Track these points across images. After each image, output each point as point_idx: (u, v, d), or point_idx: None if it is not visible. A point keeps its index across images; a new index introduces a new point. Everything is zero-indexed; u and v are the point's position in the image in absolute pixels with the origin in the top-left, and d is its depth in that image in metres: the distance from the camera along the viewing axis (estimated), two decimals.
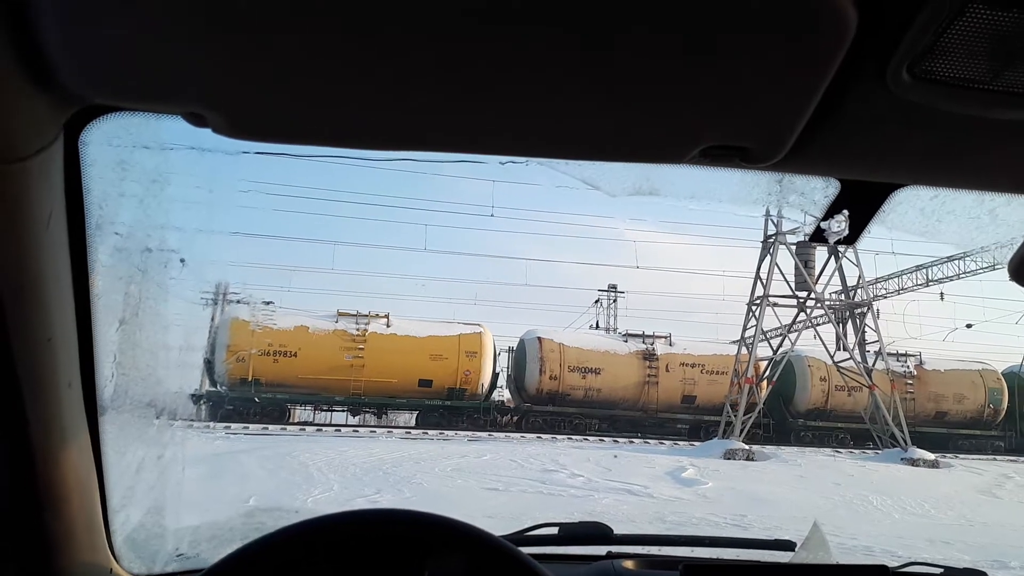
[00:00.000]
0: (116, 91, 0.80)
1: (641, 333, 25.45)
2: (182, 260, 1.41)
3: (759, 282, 21.40)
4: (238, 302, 24.67)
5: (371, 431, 19.19)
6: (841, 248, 19.60)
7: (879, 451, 19.59)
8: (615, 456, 14.21)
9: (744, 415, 18.69)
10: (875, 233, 1.14)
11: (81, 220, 1.00)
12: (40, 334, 0.97)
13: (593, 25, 0.68)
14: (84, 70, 0.75)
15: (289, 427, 20.57)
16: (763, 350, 22.00)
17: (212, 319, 23.65)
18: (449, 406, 22.96)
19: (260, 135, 0.88)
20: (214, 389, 22.25)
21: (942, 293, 25.60)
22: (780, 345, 21.29)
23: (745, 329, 21.61)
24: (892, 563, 1.62)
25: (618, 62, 0.73)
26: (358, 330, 23.14)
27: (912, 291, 25.68)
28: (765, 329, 21.52)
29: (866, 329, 22.14)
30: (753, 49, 0.70)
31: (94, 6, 0.67)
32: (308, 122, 0.87)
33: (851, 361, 21.70)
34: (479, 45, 0.71)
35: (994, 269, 21.69)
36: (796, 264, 20.27)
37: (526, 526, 1.78)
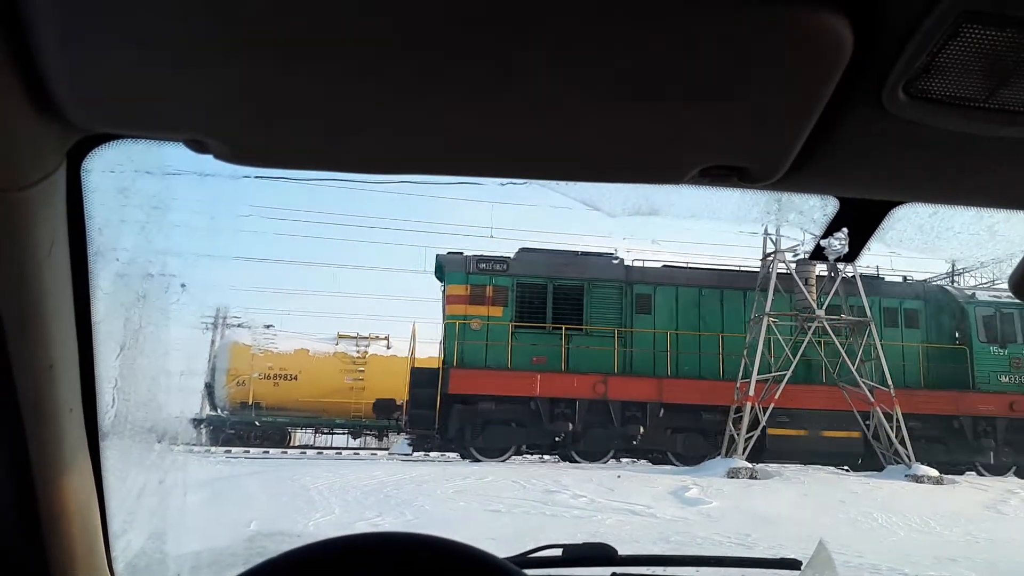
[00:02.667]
0: (118, 119, 0.81)
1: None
2: (182, 285, 1.42)
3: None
4: (238, 326, 24.70)
5: (372, 454, 19.10)
6: (840, 265, 19.65)
7: (883, 468, 19.51)
8: (618, 476, 14.14)
9: (747, 433, 18.59)
10: (875, 250, 1.14)
11: (83, 247, 1.01)
12: (42, 360, 0.97)
13: (592, 47, 0.69)
14: (87, 100, 0.76)
15: (290, 451, 20.49)
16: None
17: (212, 343, 23.63)
18: None
19: (260, 161, 0.89)
20: (215, 413, 22.21)
21: None
22: (782, 362, 21.23)
23: (746, 346, 21.53)
24: None
25: (617, 85, 0.73)
26: (358, 352, 23.12)
27: None
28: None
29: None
30: (750, 70, 0.71)
31: (97, 36, 0.68)
32: (308, 148, 0.88)
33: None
34: (478, 69, 0.72)
35: (994, 285, 21.74)
36: (796, 282, 20.25)
37: (529, 548, 1.76)
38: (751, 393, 17.89)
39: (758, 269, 19.83)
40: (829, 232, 1.08)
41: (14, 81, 0.71)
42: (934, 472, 17.49)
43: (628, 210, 1.05)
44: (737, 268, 20.61)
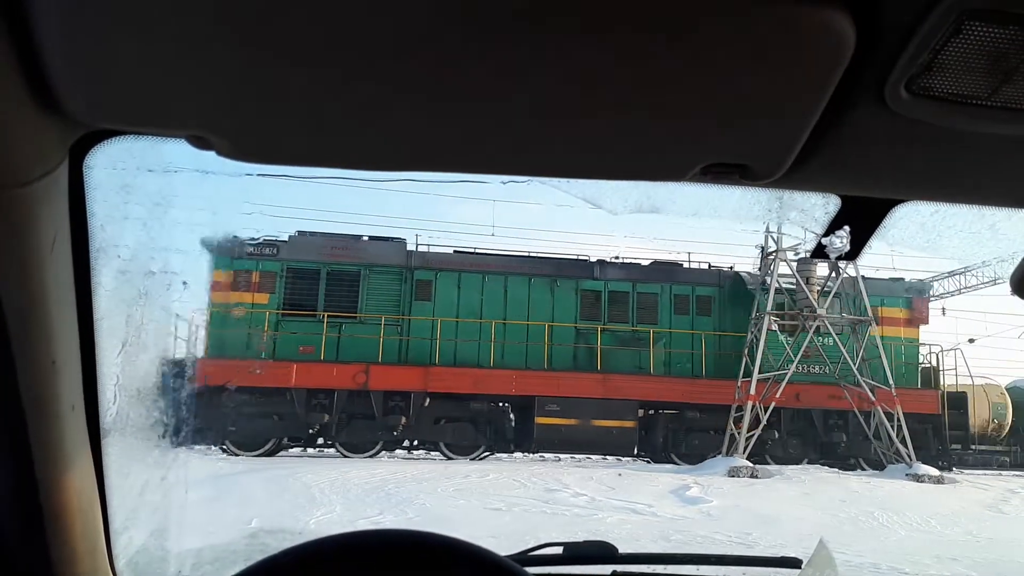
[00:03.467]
0: (121, 115, 0.81)
1: None
2: (184, 283, 1.42)
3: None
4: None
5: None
6: (842, 264, 19.63)
7: (884, 467, 19.50)
8: (619, 475, 14.14)
9: (748, 432, 18.60)
10: (876, 249, 1.14)
11: (85, 243, 1.01)
12: (44, 357, 0.97)
13: (593, 45, 0.69)
14: (89, 96, 0.76)
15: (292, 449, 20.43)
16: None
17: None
18: None
19: (263, 157, 0.89)
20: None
21: (944, 308, 25.57)
22: (782, 361, 21.23)
23: (747, 345, 21.54)
24: None
25: (619, 82, 0.73)
26: None
27: None
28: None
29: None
30: (752, 68, 0.71)
31: (99, 33, 0.68)
32: (310, 144, 0.88)
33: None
34: (480, 67, 0.72)
35: (995, 284, 21.71)
36: (797, 280, 20.24)
37: (530, 546, 1.77)
38: (752, 392, 17.91)
39: (587, 257, 19.48)
40: (830, 230, 1.08)
41: (16, 77, 0.71)
42: (935, 471, 17.49)
43: (630, 208, 1.05)
44: (572, 257, 19.89)
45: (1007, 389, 26.34)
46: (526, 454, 18.03)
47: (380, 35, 0.68)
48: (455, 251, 19.38)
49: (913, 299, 19.71)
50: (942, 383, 20.77)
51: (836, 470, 17.79)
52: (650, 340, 18.24)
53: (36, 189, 0.84)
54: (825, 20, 0.65)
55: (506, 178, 0.97)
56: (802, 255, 18.96)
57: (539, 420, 17.07)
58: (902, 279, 20.51)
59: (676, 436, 18.11)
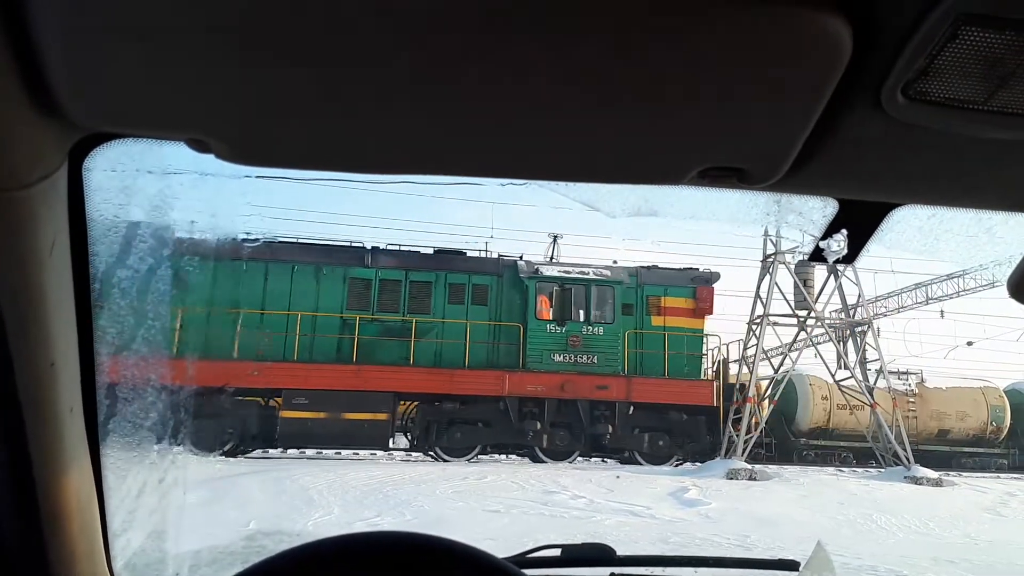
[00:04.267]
0: (120, 119, 0.81)
1: None
2: (184, 284, 1.42)
3: (759, 301, 21.41)
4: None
5: (371, 454, 19.00)
6: (840, 267, 19.62)
7: (882, 470, 19.50)
8: (617, 477, 14.13)
9: (746, 434, 18.60)
10: (874, 252, 1.14)
11: (84, 246, 1.01)
12: (43, 359, 0.97)
13: (591, 48, 0.69)
14: (88, 99, 0.76)
15: (289, 450, 20.39)
16: (764, 369, 21.98)
17: None
18: None
19: (262, 161, 0.89)
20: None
21: (942, 311, 25.65)
22: (781, 364, 21.24)
23: (746, 348, 21.59)
24: None
25: (617, 86, 0.74)
26: None
27: (912, 309, 25.74)
28: (766, 348, 21.52)
29: (866, 347, 22.12)
30: (750, 72, 0.71)
31: (99, 35, 0.68)
32: (309, 148, 0.88)
33: (852, 380, 21.66)
34: (479, 70, 0.72)
35: (993, 287, 21.68)
36: (796, 283, 20.26)
37: (528, 548, 1.77)
38: (751, 394, 17.93)
39: (360, 244, 18.73)
40: (828, 234, 1.08)
41: (16, 80, 0.71)
42: (933, 474, 17.49)
43: (627, 211, 1.05)
44: (342, 244, 18.88)
45: (1005, 392, 26.40)
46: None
47: (379, 39, 0.68)
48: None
49: (698, 288, 19.02)
50: (736, 374, 20.28)
51: (833, 472, 17.70)
52: (413, 330, 17.43)
53: (35, 192, 0.84)
54: (822, 24, 0.66)
55: (505, 181, 0.97)
56: (800, 258, 18.82)
57: (284, 414, 16.38)
58: (695, 269, 19.78)
59: (438, 428, 17.40)
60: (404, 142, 0.86)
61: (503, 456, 18.11)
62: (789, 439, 24.38)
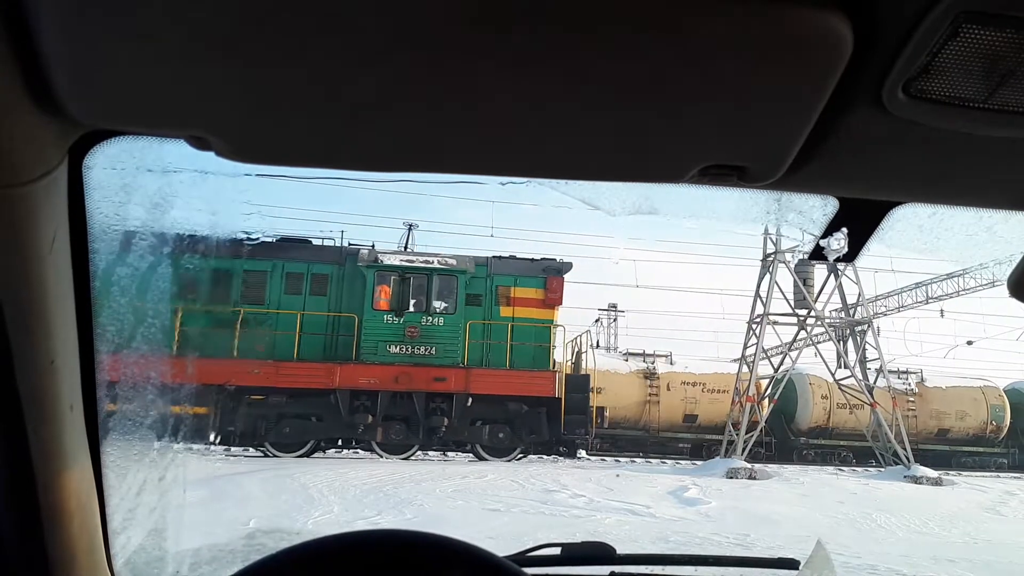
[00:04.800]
0: (120, 116, 0.81)
1: (642, 352, 25.38)
2: (184, 282, 1.42)
3: (759, 300, 21.42)
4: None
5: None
6: (840, 266, 19.62)
7: (882, 469, 19.51)
8: (617, 476, 14.14)
9: (746, 434, 18.62)
10: (874, 251, 1.14)
11: (84, 243, 1.01)
12: (43, 356, 0.97)
13: (592, 46, 0.69)
14: (88, 96, 0.76)
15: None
16: (764, 368, 22.00)
17: None
18: None
19: (262, 158, 0.89)
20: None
21: (942, 310, 25.61)
22: (781, 363, 21.25)
23: (745, 347, 21.61)
24: None
25: (618, 84, 0.73)
26: None
27: (912, 308, 25.71)
28: (766, 347, 21.53)
29: (867, 347, 22.13)
30: (751, 70, 0.71)
31: (99, 32, 0.68)
32: (310, 145, 0.88)
33: (852, 379, 21.68)
34: (480, 68, 0.72)
35: (993, 286, 21.69)
36: (795, 282, 20.27)
37: (528, 546, 1.77)
38: (751, 393, 17.94)
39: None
40: (829, 232, 1.08)
41: (16, 77, 0.71)
42: (933, 473, 17.50)
43: (627, 209, 1.05)
44: None
45: (1005, 391, 26.42)
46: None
47: (379, 36, 0.68)
48: None
49: (549, 279, 18.42)
50: (585, 365, 20.00)
51: (833, 471, 17.65)
52: (239, 321, 16.87)
53: (35, 189, 0.84)
54: (823, 23, 0.65)
55: (505, 179, 0.97)
56: (800, 257, 18.73)
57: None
58: (552, 259, 19.10)
59: (267, 422, 16.70)
60: (404, 139, 0.86)
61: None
62: (789, 438, 24.44)
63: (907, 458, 18.90)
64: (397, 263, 17.98)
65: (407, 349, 17.38)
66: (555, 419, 17.75)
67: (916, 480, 16.80)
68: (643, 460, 21.33)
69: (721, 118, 0.79)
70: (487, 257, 18.71)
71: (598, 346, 31.26)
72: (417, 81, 0.74)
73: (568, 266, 18.92)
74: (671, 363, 24.77)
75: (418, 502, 10.50)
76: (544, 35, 0.68)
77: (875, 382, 21.87)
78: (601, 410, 22.93)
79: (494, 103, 0.77)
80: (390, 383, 16.97)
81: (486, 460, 16.99)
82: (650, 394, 23.87)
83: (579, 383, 18.76)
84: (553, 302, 18.47)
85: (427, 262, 18.10)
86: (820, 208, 1.05)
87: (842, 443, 24.35)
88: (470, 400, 17.29)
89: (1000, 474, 23.06)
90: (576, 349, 19.96)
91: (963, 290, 23.89)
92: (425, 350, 17.46)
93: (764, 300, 21.02)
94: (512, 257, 18.83)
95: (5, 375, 0.94)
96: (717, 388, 23.72)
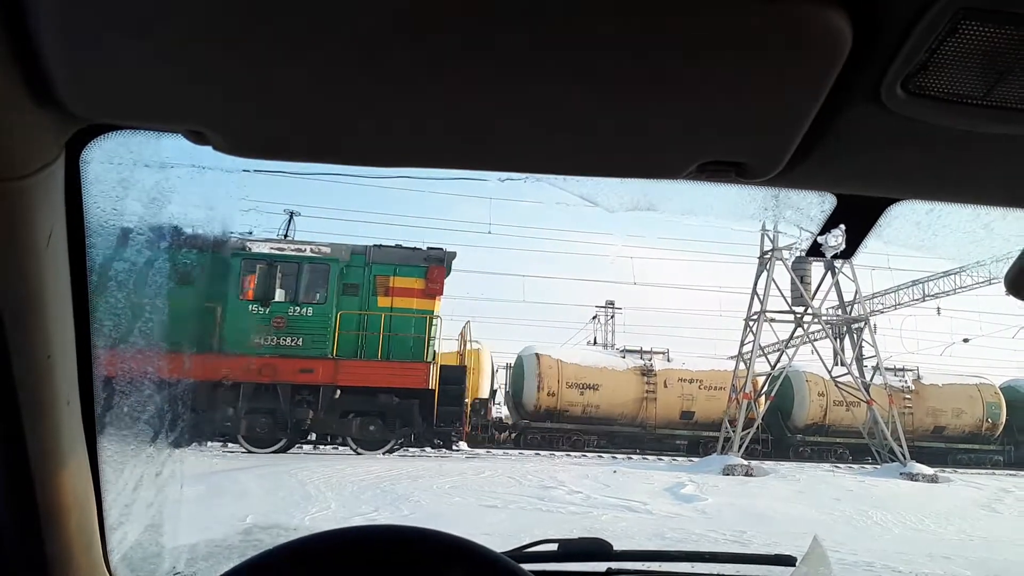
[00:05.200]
0: (117, 110, 0.81)
1: (639, 349, 25.38)
2: (182, 277, 1.41)
3: (756, 297, 21.45)
4: None
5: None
6: (837, 263, 19.65)
7: (878, 466, 19.55)
8: (614, 472, 14.16)
9: (743, 431, 18.65)
10: (871, 248, 1.14)
11: (81, 238, 1.01)
12: (40, 352, 0.97)
13: (592, 43, 0.69)
14: (86, 90, 0.76)
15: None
16: (761, 365, 22.03)
17: None
18: None
19: (259, 153, 0.89)
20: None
21: (939, 308, 25.67)
22: (778, 360, 21.29)
23: (743, 344, 21.65)
24: None
25: (616, 79, 0.73)
26: None
27: (909, 306, 25.77)
28: (763, 344, 21.56)
29: (863, 344, 22.17)
30: (749, 66, 0.71)
31: (96, 27, 0.67)
32: (307, 140, 0.88)
33: (849, 376, 21.72)
34: (478, 63, 0.72)
35: (990, 283, 21.71)
36: (793, 279, 20.29)
37: (525, 543, 1.77)
38: (748, 390, 17.96)
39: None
40: (826, 229, 1.08)
41: (14, 71, 0.71)
42: (929, 470, 17.54)
43: (626, 205, 1.05)
44: None
45: (1001, 389, 26.48)
46: (523, 452, 17.73)
47: (377, 31, 0.68)
48: None
49: (430, 268, 17.82)
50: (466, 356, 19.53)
51: (830, 468, 17.69)
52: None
53: (32, 183, 0.84)
54: (822, 18, 0.65)
55: (503, 175, 0.97)
56: (798, 254, 18.69)
57: None
58: (438, 248, 18.48)
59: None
60: (402, 135, 0.85)
61: (516, 451, 17.74)
62: (785, 435, 24.47)
63: (903, 455, 18.94)
64: (266, 251, 17.34)
65: (273, 340, 16.70)
66: (429, 411, 17.25)
67: (912, 477, 16.84)
68: (640, 457, 21.33)
69: (720, 114, 0.79)
70: (366, 246, 18.08)
71: (595, 342, 31.33)
72: (414, 77, 0.74)
73: (452, 255, 18.43)
74: (668, 360, 24.79)
75: (415, 498, 10.50)
76: (543, 32, 0.68)
77: (871, 379, 21.92)
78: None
79: (493, 99, 0.77)
80: (253, 375, 16.29)
81: (361, 454, 16.59)
82: (647, 391, 23.89)
83: (454, 374, 18.23)
84: (434, 292, 17.91)
85: (299, 250, 17.49)
86: (818, 205, 1.05)
87: (838, 440, 24.39)
88: (338, 392, 16.79)
89: (996, 471, 23.12)
90: (463, 339, 19.59)
91: (960, 287, 23.95)
92: (292, 341, 16.84)
93: (761, 297, 21.05)
94: (398, 246, 18.27)
95: (1, 371, 0.94)
96: (714, 385, 23.75)
